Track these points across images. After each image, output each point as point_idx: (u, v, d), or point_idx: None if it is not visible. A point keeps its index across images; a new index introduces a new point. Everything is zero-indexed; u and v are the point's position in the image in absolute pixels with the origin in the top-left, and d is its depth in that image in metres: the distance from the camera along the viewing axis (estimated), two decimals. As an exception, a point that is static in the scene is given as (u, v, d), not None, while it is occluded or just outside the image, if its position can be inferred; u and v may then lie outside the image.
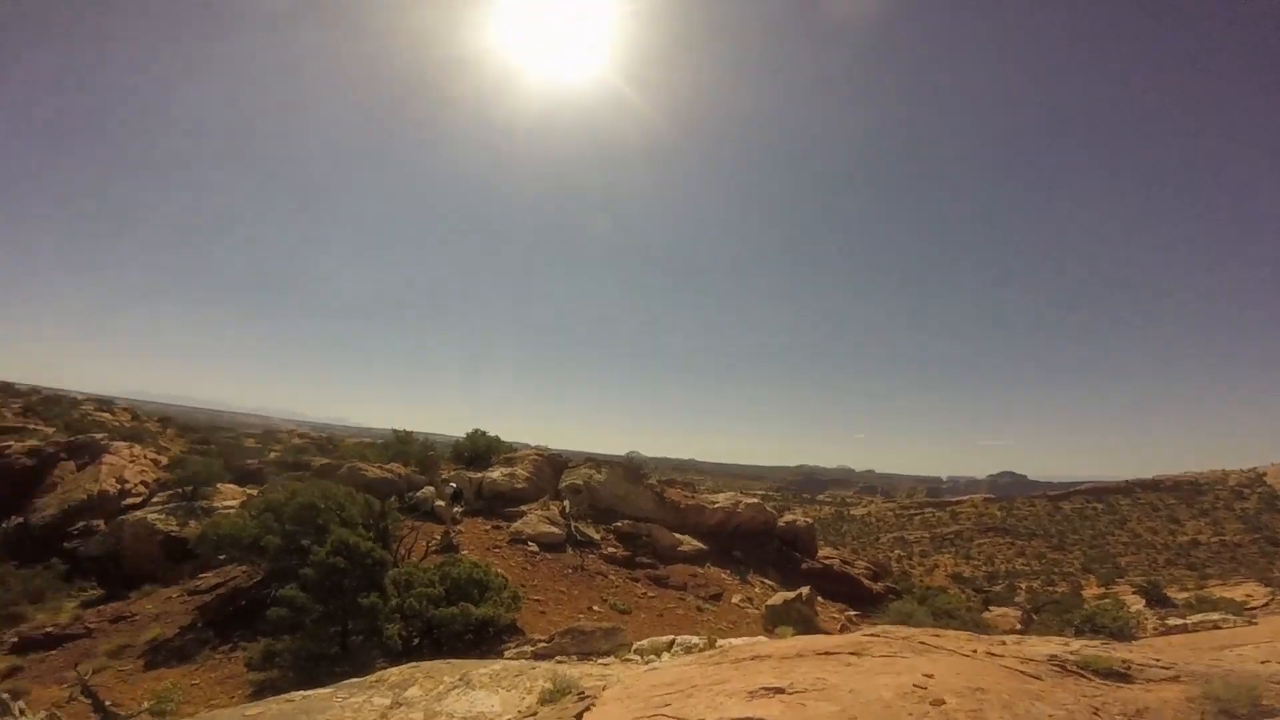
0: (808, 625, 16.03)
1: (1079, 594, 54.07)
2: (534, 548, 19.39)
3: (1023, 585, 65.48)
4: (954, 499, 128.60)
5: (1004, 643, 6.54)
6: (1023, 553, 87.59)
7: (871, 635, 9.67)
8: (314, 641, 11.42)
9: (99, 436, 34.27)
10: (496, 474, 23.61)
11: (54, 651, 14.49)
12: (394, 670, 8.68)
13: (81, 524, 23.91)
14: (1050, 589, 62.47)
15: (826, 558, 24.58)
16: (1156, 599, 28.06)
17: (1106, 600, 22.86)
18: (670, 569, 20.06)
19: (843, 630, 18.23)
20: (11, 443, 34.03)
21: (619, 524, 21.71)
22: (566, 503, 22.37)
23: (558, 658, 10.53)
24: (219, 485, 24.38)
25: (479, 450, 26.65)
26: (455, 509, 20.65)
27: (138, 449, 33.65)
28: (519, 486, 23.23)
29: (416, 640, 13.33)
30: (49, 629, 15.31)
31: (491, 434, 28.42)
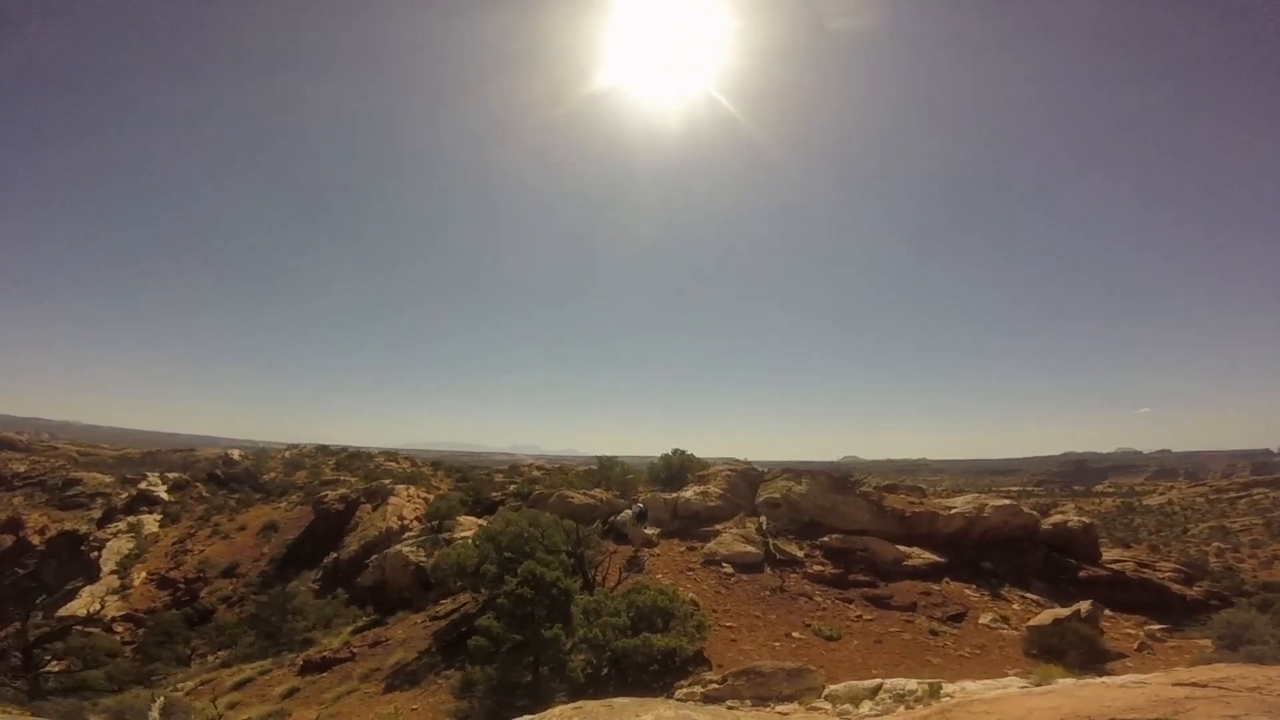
0: (1089, 649, 11.93)
1: None
2: (728, 569, 17.81)
3: None
4: None
5: None
6: None
7: (1194, 684, 6.52)
8: (506, 672, 11.42)
9: (387, 482, 41.94)
10: (689, 493, 22.61)
11: (326, 674, 16.99)
12: (555, 710, 8.10)
13: (375, 557, 28.74)
14: None
15: (1114, 561, 18.65)
16: None
17: None
18: (893, 586, 16.81)
19: (1141, 649, 13.33)
20: (328, 493, 43.34)
21: (827, 539, 19.05)
22: (763, 519, 20.43)
23: (729, 702, 8.94)
24: (459, 518, 27.35)
25: (674, 470, 26.03)
26: (645, 529, 20.11)
27: (413, 490, 40.24)
28: (712, 504, 21.90)
29: (606, 670, 12.72)
30: (325, 653, 18.09)
31: (688, 452, 27.78)
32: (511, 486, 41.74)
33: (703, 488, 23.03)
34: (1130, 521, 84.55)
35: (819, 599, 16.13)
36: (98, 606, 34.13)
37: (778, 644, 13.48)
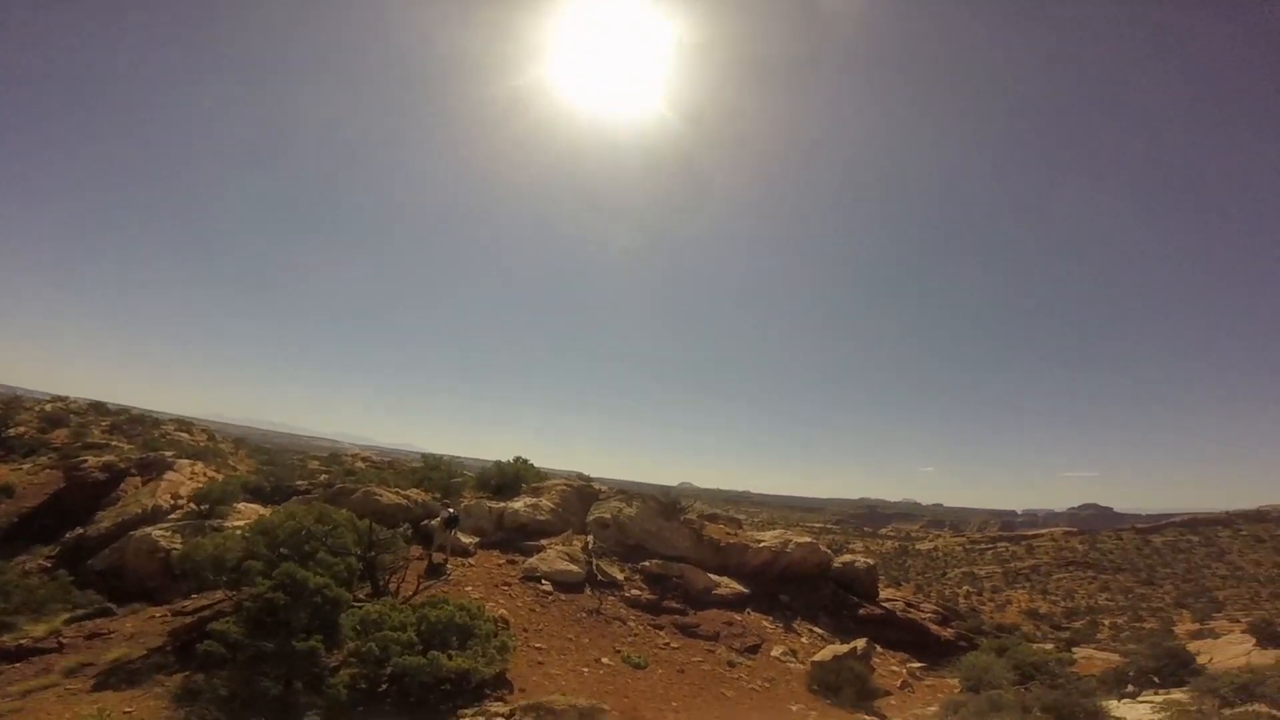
0: (861, 687, 13.17)
1: (1170, 630, 47.13)
2: (547, 586, 17.36)
3: (1106, 622, 58.72)
4: (1030, 532, 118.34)
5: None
6: (1106, 587, 79.22)
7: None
8: (244, 683, 9.83)
9: (168, 454, 35.57)
10: (519, 504, 21.88)
11: (19, 664, 13.69)
12: None
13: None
14: (1137, 625, 55.03)
15: (888, 600, 21.19)
16: (1269, 636, 22.59)
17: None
18: (702, 615, 17.49)
19: (903, 687, 15.08)
20: (89, 458, 35.86)
21: (647, 563, 19.38)
22: (590, 538, 20.32)
23: None
24: (239, 505, 23.84)
25: (507, 478, 25.08)
26: (463, 538, 19.03)
27: (199, 466, 34.52)
28: (542, 518, 21.39)
29: (385, 688, 11.55)
30: (23, 641, 14.61)
31: (529, 461, 26.93)
32: (323, 476, 37.71)
33: (535, 500, 22.42)
34: (904, 562, 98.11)
35: (633, 624, 16.24)
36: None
37: (586, 669, 13.27)
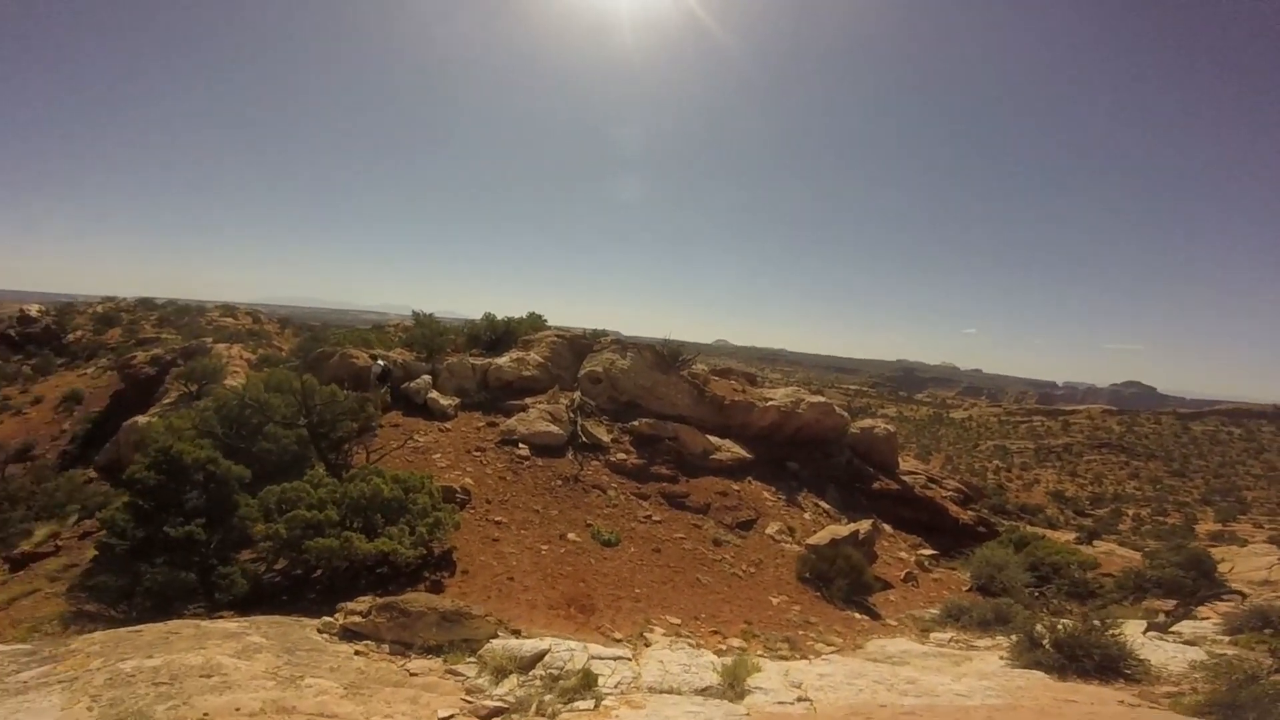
0: (855, 580, 11.40)
1: (1192, 528, 46.03)
2: (525, 450, 15.78)
3: (1130, 512, 57.82)
4: (1068, 408, 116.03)
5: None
6: (1136, 475, 77.81)
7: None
8: (116, 575, 8.53)
9: (208, 340, 35.30)
10: (504, 360, 19.92)
11: (21, 573, 13.26)
12: (98, 635, 5.69)
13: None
14: (1160, 519, 54.00)
15: (908, 473, 19.21)
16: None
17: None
18: (694, 484, 15.82)
19: (907, 580, 13.42)
20: (138, 354, 35.89)
21: (637, 423, 17.52)
22: (578, 395, 18.44)
23: (365, 642, 6.74)
24: (229, 382, 22.83)
25: (498, 333, 23.03)
26: (442, 400, 17.51)
27: (236, 349, 34.17)
28: (528, 374, 19.46)
29: (301, 574, 10.32)
30: (25, 549, 14.38)
31: (539, 315, 24.74)
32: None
33: (522, 354, 20.42)
34: (936, 431, 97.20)
35: (613, 493, 14.70)
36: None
37: (545, 547, 11.83)
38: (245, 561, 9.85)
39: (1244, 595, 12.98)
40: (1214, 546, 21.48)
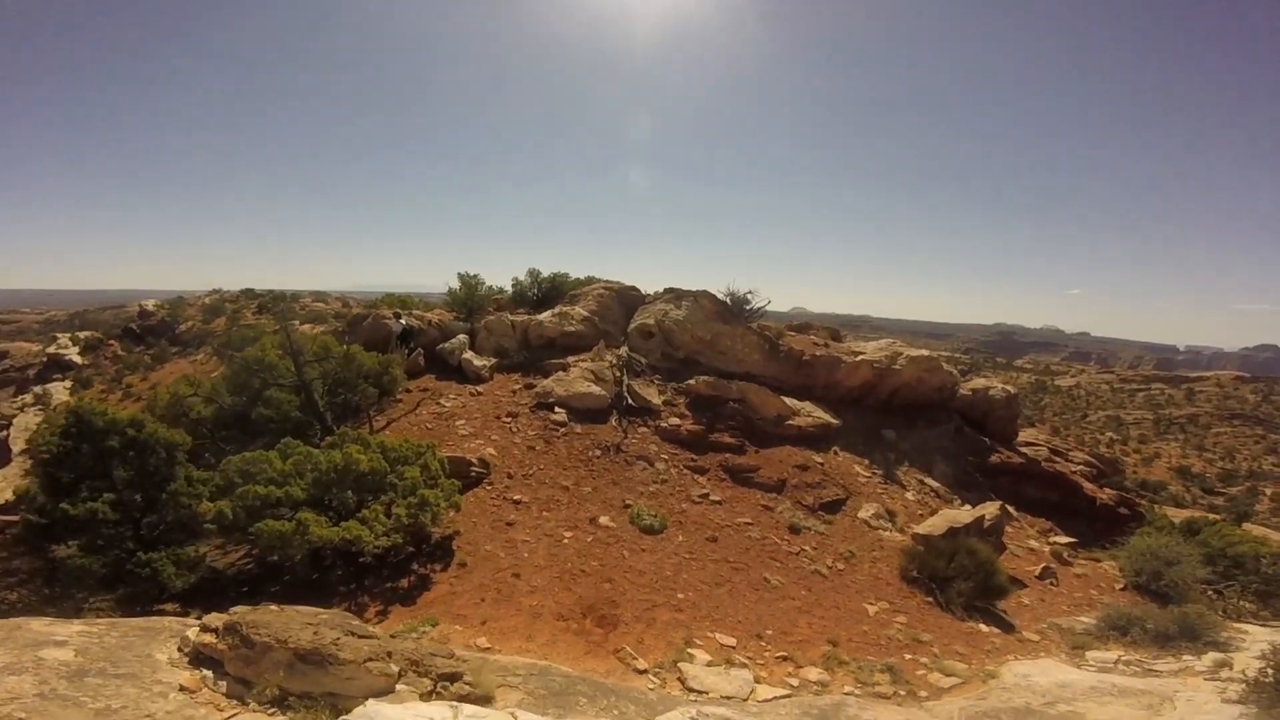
0: (982, 582, 8.24)
1: None
2: (561, 415, 13.44)
3: (1267, 491, 50.45)
4: (1193, 374, 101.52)
5: None
6: (1274, 449, 67.22)
7: None
8: (29, 558, 6.92)
9: (295, 323, 36.56)
10: (546, 315, 17.66)
11: None
12: None
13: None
14: None
15: (1028, 444, 15.37)
16: None
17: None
18: (765, 455, 12.91)
19: (1044, 577, 10.03)
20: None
21: (694, 381, 14.74)
22: (624, 351, 15.90)
23: (202, 673, 4.38)
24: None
25: (544, 290, 20.81)
26: (475, 361, 15.58)
27: (316, 328, 35.07)
28: (572, 329, 17.05)
29: (277, 560, 8.43)
30: None
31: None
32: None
33: (566, 309, 18.04)
34: (1040, 400, 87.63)
35: (661, 465, 12.10)
36: (10, 496, 28.67)
37: (569, 534, 9.42)
38: (193, 548, 8.07)
39: None
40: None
